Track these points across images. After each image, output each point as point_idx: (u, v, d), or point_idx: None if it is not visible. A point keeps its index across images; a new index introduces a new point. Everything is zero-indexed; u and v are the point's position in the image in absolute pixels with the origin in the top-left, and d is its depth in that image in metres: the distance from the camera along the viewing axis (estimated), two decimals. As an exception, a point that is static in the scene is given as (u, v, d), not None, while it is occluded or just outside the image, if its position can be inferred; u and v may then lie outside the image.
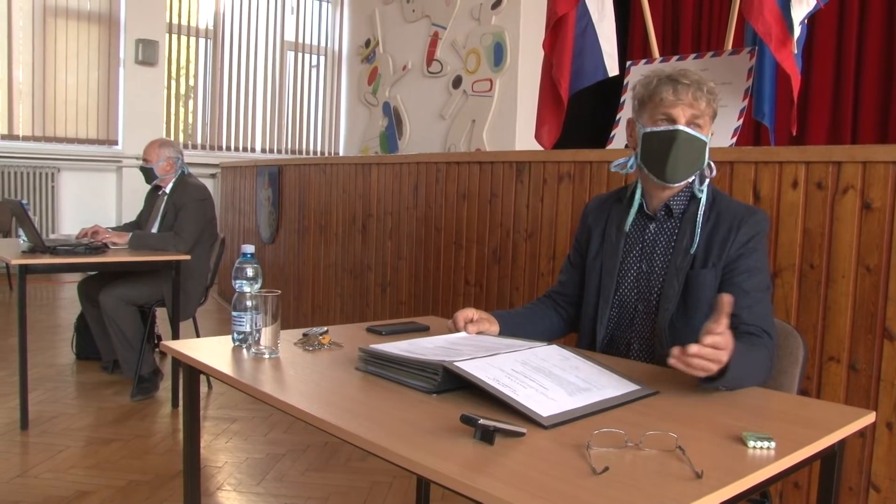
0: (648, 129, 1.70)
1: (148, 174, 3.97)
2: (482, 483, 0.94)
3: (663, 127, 1.68)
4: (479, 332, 1.72)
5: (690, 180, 1.72)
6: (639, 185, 1.80)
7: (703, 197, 1.71)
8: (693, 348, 1.28)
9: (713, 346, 1.29)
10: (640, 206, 1.79)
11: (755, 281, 1.64)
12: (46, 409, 3.43)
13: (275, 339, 1.58)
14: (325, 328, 1.75)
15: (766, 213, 1.72)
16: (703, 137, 1.68)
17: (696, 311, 1.67)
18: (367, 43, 8.60)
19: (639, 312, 1.77)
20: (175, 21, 8.20)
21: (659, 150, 1.69)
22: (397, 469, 1.06)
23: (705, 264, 1.67)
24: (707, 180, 1.72)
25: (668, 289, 1.70)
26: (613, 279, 1.80)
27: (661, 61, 3.64)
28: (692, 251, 1.70)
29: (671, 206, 1.74)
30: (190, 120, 8.58)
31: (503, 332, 1.77)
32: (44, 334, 4.95)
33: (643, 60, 3.74)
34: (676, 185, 1.71)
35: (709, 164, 1.71)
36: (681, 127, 1.66)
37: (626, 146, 1.97)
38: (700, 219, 1.70)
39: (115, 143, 7.87)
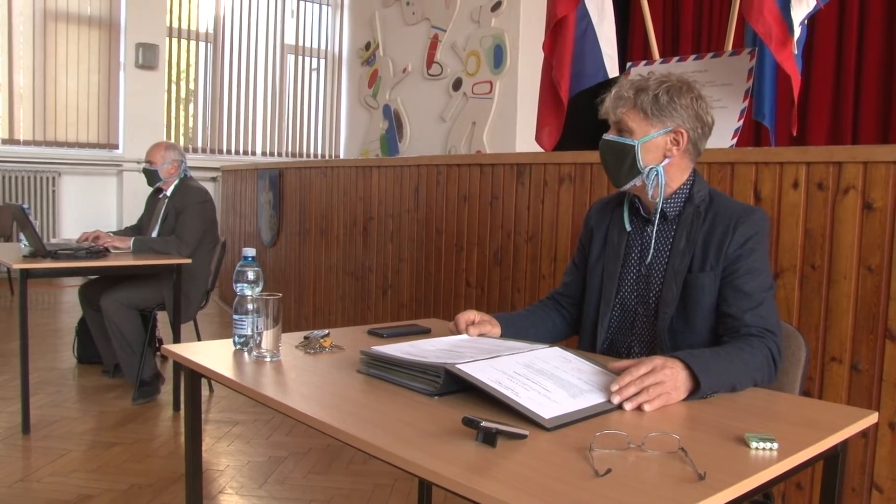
0: None
1: (151, 176, 3.97)
2: (484, 485, 0.94)
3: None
4: (480, 334, 1.72)
5: (638, 184, 1.72)
6: None
7: (660, 202, 1.72)
8: (613, 386, 1.31)
9: (630, 381, 1.30)
10: (638, 209, 1.79)
11: (756, 282, 1.63)
12: (48, 413, 3.43)
13: (276, 342, 1.58)
14: (327, 331, 1.75)
15: (764, 212, 1.70)
16: (627, 141, 1.69)
17: (695, 315, 1.67)
18: (367, 46, 8.61)
19: (639, 315, 1.76)
20: (175, 25, 8.21)
21: (601, 159, 1.78)
22: (399, 471, 1.06)
23: (703, 267, 1.66)
24: (651, 185, 1.70)
25: (667, 292, 1.70)
26: (615, 282, 1.79)
27: (662, 62, 3.64)
28: (649, 254, 1.73)
29: (665, 209, 1.74)
30: (190, 123, 8.58)
31: (505, 335, 1.77)
32: (45, 338, 4.95)
33: (643, 62, 3.74)
34: (622, 188, 1.75)
35: (650, 170, 1.69)
36: (604, 136, 1.74)
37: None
38: (655, 219, 1.73)
39: (116, 146, 7.88)
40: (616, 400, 1.28)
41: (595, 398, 1.30)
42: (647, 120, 1.67)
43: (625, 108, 1.69)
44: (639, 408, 1.28)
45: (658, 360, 1.34)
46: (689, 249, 1.69)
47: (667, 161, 1.69)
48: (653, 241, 1.74)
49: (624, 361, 1.39)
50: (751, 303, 1.61)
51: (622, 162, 1.70)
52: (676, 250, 1.70)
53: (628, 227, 1.80)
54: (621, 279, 1.79)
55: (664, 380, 1.31)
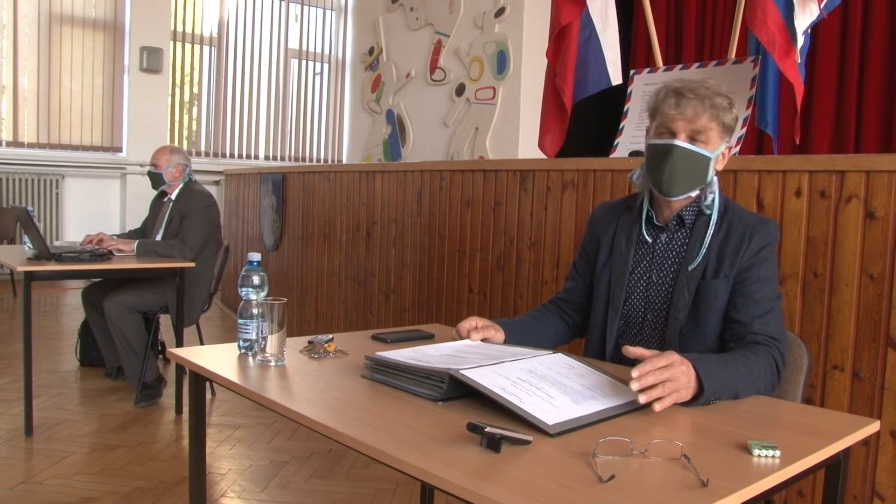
0: (650, 141, 1.72)
1: (156, 179, 3.99)
2: (489, 491, 0.94)
3: (661, 140, 1.68)
4: (484, 339, 1.73)
5: (694, 194, 1.71)
6: (647, 195, 1.80)
7: (714, 212, 1.70)
8: (634, 372, 1.30)
9: (650, 370, 1.30)
10: (651, 216, 1.79)
11: (766, 291, 1.65)
12: (51, 415, 3.44)
13: (281, 346, 1.59)
14: (331, 336, 1.76)
15: (776, 223, 1.73)
16: (705, 152, 1.66)
17: (706, 321, 1.68)
18: (371, 51, 8.63)
19: (647, 322, 1.77)
20: (179, 29, 8.24)
21: (657, 163, 1.69)
22: (401, 476, 1.06)
23: (717, 274, 1.67)
24: (712, 196, 1.71)
25: (679, 298, 1.70)
26: (623, 289, 1.80)
27: (665, 70, 3.65)
28: (692, 267, 1.69)
29: (683, 216, 1.74)
30: (194, 127, 8.61)
31: (508, 340, 1.77)
32: (48, 341, 4.96)
33: (647, 69, 3.76)
34: (675, 198, 1.71)
35: (711, 181, 1.69)
36: (677, 142, 1.66)
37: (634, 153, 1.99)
38: (710, 233, 1.70)
39: (120, 150, 7.91)
40: (635, 387, 1.28)
41: (598, 404, 1.30)
42: (720, 133, 1.68)
43: (713, 118, 1.66)
44: (649, 405, 1.28)
45: (675, 356, 1.34)
46: (704, 256, 1.69)
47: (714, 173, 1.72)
48: (705, 244, 1.70)
49: (640, 349, 1.38)
50: (759, 310, 1.62)
51: (692, 172, 1.67)
52: (691, 256, 1.71)
53: (648, 239, 1.79)
54: (630, 286, 1.80)
55: (679, 376, 1.32)
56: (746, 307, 1.63)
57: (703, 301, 1.68)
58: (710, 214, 1.71)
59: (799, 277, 2.30)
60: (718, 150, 1.69)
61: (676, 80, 1.72)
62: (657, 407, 1.28)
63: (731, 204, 1.75)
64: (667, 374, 1.31)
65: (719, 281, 1.67)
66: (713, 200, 1.71)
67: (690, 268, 1.70)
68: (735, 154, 3.06)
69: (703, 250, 1.69)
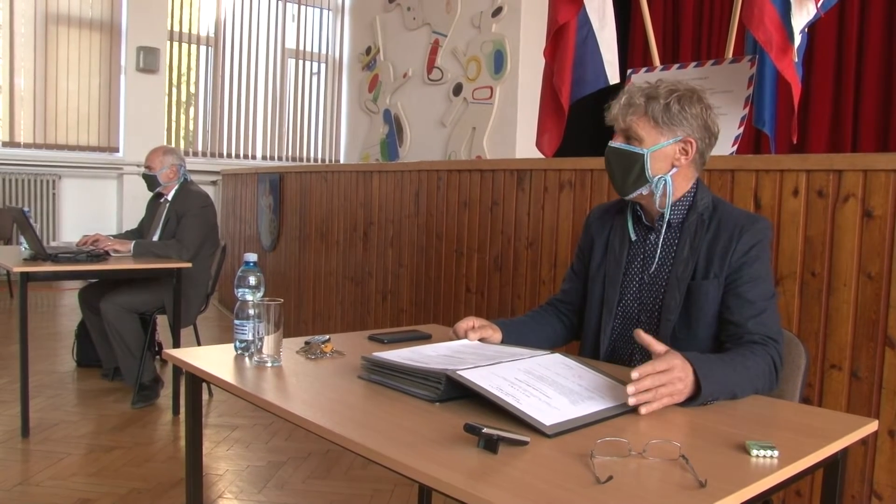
0: None
1: (151, 181, 3.98)
2: (486, 492, 0.94)
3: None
4: (481, 339, 1.72)
5: (645, 192, 1.71)
6: None
7: (666, 211, 1.71)
8: (634, 373, 1.30)
9: (650, 373, 1.30)
10: (640, 217, 1.79)
11: (759, 290, 1.63)
12: (47, 416, 3.43)
13: (277, 347, 1.58)
14: (328, 336, 1.75)
15: (768, 220, 1.70)
16: (634, 149, 1.68)
17: (698, 322, 1.67)
18: (368, 50, 8.62)
19: (641, 323, 1.76)
20: (176, 28, 8.22)
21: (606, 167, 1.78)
22: (399, 477, 1.06)
23: (707, 275, 1.66)
24: (659, 195, 1.69)
25: (670, 300, 1.70)
26: (617, 290, 1.79)
27: (662, 69, 3.65)
28: (668, 270, 1.70)
29: (669, 217, 1.74)
30: (191, 127, 8.59)
31: (506, 340, 1.77)
32: (44, 341, 4.94)
33: (644, 68, 3.75)
34: (627, 197, 1.74)
35: (658, 179, 1.68)
36: (610, 143, 1.74)
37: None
38: (663, 234, 1.72)
39: (116, 150, 7.89)
40: (631, 390, 1.28)
41: (596, 405, 1.30)
42: (658, 128, 1.67)
43: (635, 115, 1.68)
44: (635, 410, 1.28)
45: (676, 362, 1.33)
46: (693, 257, 1.69)
47: (674, 170, 1.69)
48: (658, 250, 1.72)
49: (650, 339, 1.40)
50: (753, 310, 1.61)
51: (629, 170, 1.69)
52: (680, 258, 1.70)
53: (633, 237, 1.79)
54: (623, 287, 1.79)
55: (675, 383, 1.32)
56: (740, 308, 1.62)
57: (693, 303, 1.67)
58: (666, 214, 1.71)
59: (797, 277, 2.30)
60: (657, 146, 1.68)
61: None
62: (643, 410, 1.28)
63: (720, 203, 1.74)
64: (663, 380, 1.31)
65: (709, 282, 1.66)
66: (665, 196, 1.69)
67: (652, 271, 1.72)
68: (732, 153, 3.06)
69: (676, 253, 1.70)
